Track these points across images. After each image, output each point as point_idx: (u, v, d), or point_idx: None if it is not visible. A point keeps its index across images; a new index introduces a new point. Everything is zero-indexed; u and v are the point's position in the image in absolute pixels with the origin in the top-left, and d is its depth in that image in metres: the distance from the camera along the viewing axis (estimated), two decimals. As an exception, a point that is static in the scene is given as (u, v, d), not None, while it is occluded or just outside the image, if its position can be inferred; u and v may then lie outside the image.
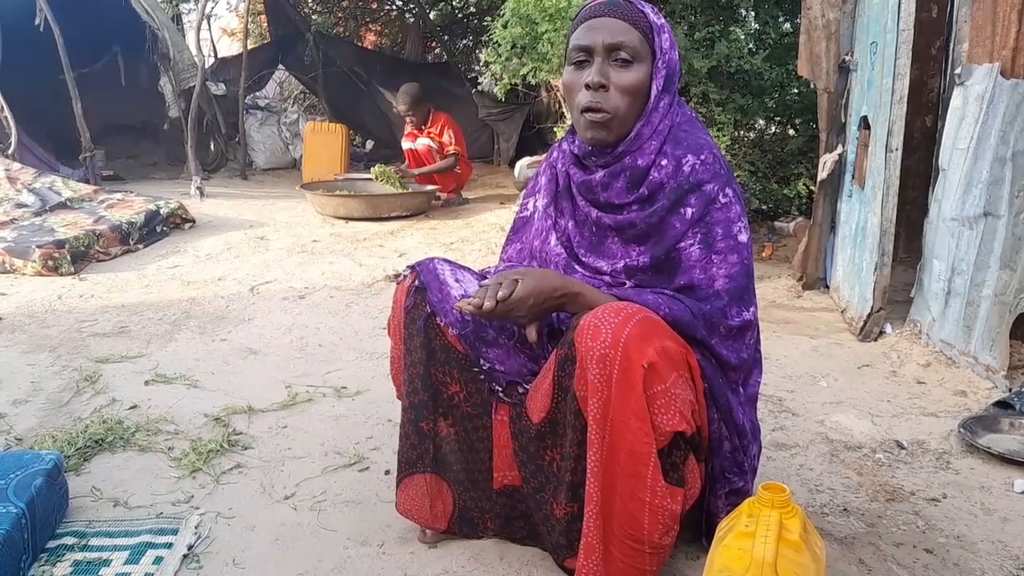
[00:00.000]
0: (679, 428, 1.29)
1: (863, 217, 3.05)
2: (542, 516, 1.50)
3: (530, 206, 1.68)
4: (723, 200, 1.42)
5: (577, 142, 1.50)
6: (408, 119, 5.89)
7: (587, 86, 1.40)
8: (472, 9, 9.90)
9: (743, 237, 1.43)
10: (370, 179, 5.84)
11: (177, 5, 8.40)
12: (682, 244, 1.42)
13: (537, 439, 1.44)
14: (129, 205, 4.83)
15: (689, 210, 1.42)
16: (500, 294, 1.34)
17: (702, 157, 1.43)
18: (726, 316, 1.41)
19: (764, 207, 4.73)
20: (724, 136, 4.10)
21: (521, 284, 1.36)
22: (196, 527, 1.68)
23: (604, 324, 1.26)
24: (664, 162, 1.44)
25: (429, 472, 1.61)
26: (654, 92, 1.42)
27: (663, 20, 1.45)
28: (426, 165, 5.86)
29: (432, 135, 5.87)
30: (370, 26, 10.98)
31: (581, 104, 1.42)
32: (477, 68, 9.36)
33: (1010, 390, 2.35)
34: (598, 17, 1.41)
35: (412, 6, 10.20)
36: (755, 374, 1.55)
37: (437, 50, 10.46)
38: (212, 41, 9.27)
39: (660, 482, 1.29)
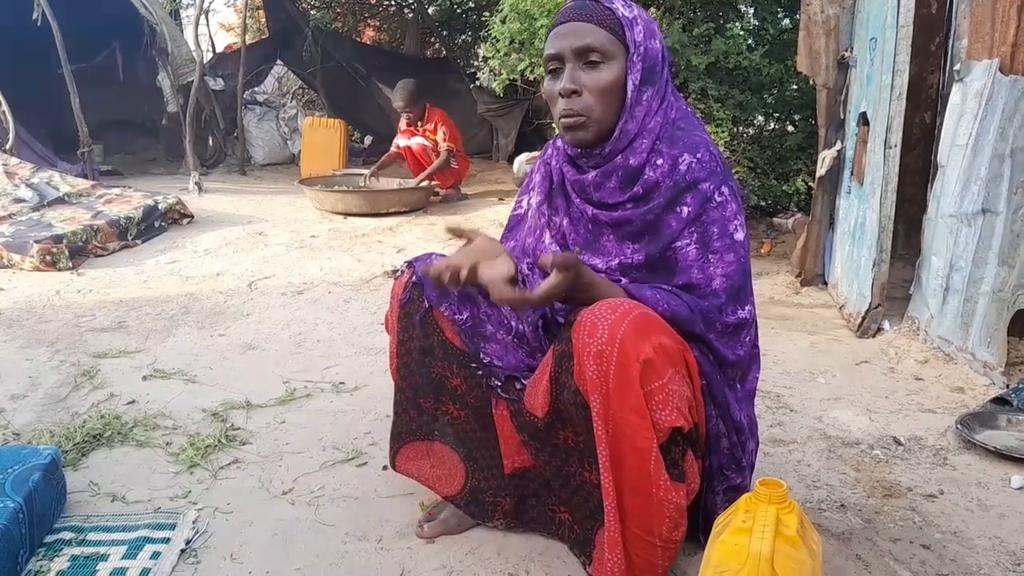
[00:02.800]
0: (676, 424, 1.29)
1: (862, 213, 3.05)
2: (571, 490, 1.49)
3: (524, 203, 1.68)
4: (719, 199, 1.42)
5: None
6: (404, 115, 5.87)
7: (560, 94, 1.41)
8: (471, 4, 9.88)
9: (739, 235, 1.43)
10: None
11: (175, 0, 8.38)
12: (678, 243, 1.42)
13: (545, 430, 1.44)
14: (127, 200, 4.82)
15: (685, 209, 1.41)
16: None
17: (698, 155, 1.42)
18: (722, 314, 1.41)
19: (763, 203, 4.73)
20: (723, 132, 4.10)
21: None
22: (194, 522, 1.69)
23: (601, 321, 1.26)
24: (660, 161, 1.43)
25: (430, 440, 1.64)
26: (631, 87, 1.41)
27: (636, 12, 1.43)
28: (422, 163, 5.86)
29: (427, 133, 5.85)
30: (369, 21, 10.96)
31: (559, 112, 1.43)
32: (476, 64, 9.35)
33: (1007, 386, 2.35)
34: (564, 23, 1.41)
35: (411, 1, 10.19)
36: (753, 370, 1.55)
37: (436, 45, 10.44)
38: (210, 36, 9.25)
39: (663, 475, 1.30)
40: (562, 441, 1.45)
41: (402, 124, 5.99)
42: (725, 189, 1.42)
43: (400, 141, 5.98)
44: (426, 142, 5.83)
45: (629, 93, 1.41)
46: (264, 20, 9.68)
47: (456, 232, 1.45)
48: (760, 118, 4.96)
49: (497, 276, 1.34)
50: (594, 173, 1.47)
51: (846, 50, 3.28)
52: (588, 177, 1.48)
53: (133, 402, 2.33)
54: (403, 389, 1.62)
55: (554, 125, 5.45)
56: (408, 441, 1.66)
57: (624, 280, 1.46)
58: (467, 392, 1.57)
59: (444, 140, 5.79)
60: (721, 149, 3.89)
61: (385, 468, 1.93)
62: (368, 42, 10.58)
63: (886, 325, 2.93)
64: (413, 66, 8.76)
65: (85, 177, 5.70)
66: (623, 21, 1.40)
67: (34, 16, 5.88)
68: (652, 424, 1.27)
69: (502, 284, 1.33)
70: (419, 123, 5.89)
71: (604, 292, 1.37)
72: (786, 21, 4.90)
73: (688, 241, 1.41)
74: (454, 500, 1.66)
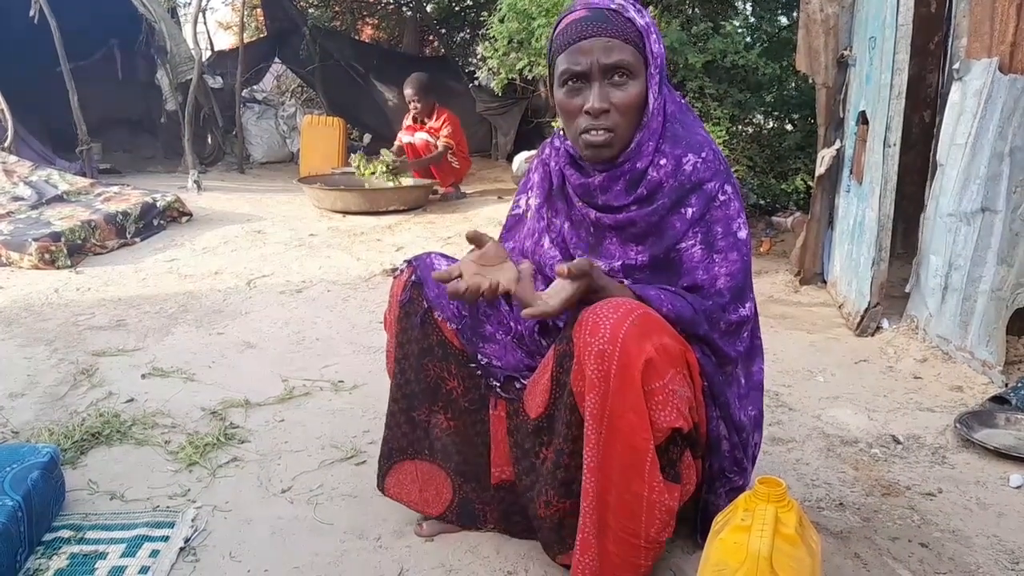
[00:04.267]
0: (676, 424, 1.29)
1: (861, 212, 3.05)
2: (533, 512, 1.50)
3: (522, 204, 1.67)
4: (723, 197, 1.42)
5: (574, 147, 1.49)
6: (413, 106, 5.83)
7: (587, 112, 1.38)
8: (469, 3, 9.88)
9: (742, 234, 1.43)
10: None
11: (173, -2, 8.39)
12: (683, 244, 1.42)
13: (533, 435, 1.44)
14: (126, 199, 4.81)
15: (690, 210, 1.41)
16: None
17: (703, 155, 1.42)
18: (726, 312, 1.42)
19: (762, 202, 4.73)
20: (720, 131, 4.10)
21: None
22: (193, 520, 1.68)
23: (603, 320, 1.25)
24: (663, 161, 1.42)
25: (419, 459, 1.62)
26: (651, 100, 1.41)
27: (647, 17, 1.41)
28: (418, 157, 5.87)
29: (432, 130, 5.85)
30: (367, 20, 10.96)
31: (581, 127, 1.40)
32: (474, 62, 9.35)
33: (1006, 385, 2.35)
34: (588, 39, 1.36)
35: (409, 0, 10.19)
36: (757, 362, 1.55)
37: (434, 44, 10.44)
38: (208, 34, 9.24)
39: (657, 477, 1.29)
40: (540, 461, 1.44)
41: (407, 120, 5.98)
42: (728, 188, 1.43)
43: (404, 137, 5.97)
44: (430, 138, 5.83)
45: (650, 106, 1.41)
46: (262, 18, 9.67)
47: (475, 240, 1.37)
48: (759, 117, 4.96)
49: (528, 290, 1.29)
50: (601, 177, 1.46)
51: (845, 49, 3.28)
52: (595, 181, 1.47)
53: (132, 400, 2.33)
54: (397, 399, 1.60)
55: (553, 124, 5.47)
56: (398, 460, 1.63)
57: (626, 282, 1.46)
58: (462, 395, 1.56)
59: (446, 137, 5.79)
60: (720, 148, 3.87)
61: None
62: (366, 40, 10.58)
63: (885, 324, 2.93)
64: (412, 64, 8.75)
65: (84, 175, 5.69)
66: (642, 33, 1.38)
67: (31, 13, 5.86)
68: (651, 424, 1.26)
69: (531, 296, 1.28)
70: (427, 119, 5.88)
71: (614, 294, 1.36)
72: (784, 19, 4.90)
73: (693, 242, 1.42)
74: (443, 518, 1.65)
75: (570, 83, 1.40)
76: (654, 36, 1.41)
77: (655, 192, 1.43)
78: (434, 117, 5.89)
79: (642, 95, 1.40)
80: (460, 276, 1.28)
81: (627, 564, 1.34)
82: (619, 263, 1.47)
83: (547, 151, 1.61)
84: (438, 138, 5.83)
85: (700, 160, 1.42)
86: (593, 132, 1.39)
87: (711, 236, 1.41)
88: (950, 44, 2.71)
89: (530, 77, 4.73)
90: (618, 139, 1.40)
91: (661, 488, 1.30)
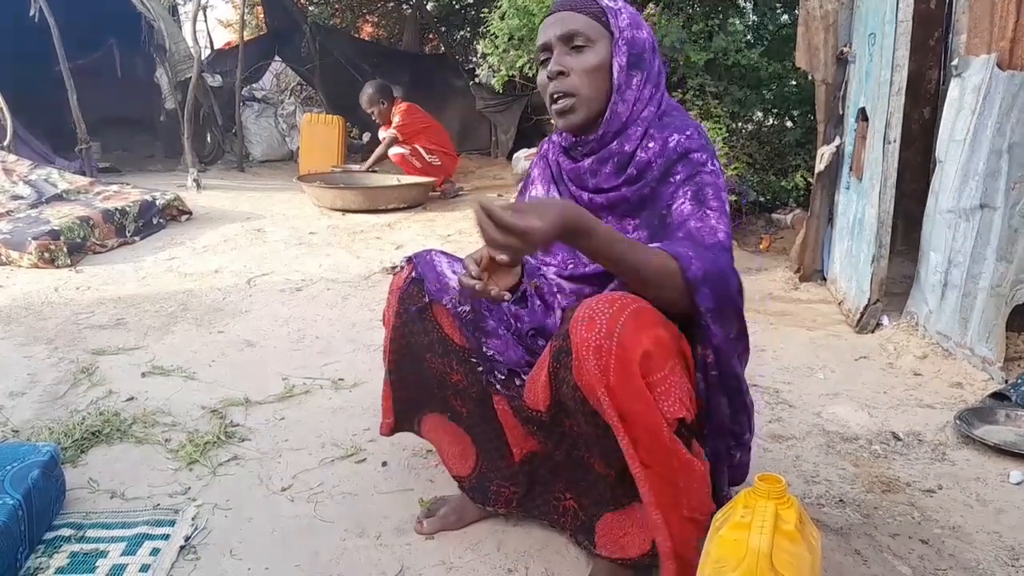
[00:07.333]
0: (680, 414, 1.29)
1: (860, 209, 3.05)
2: (581, 473, 1.50)
3: (526, 198, 1.69)
4: (711, 167, 1.43)
5: (563, 133, 1.53)
6: (372, 115, 5.94)
7: (548, 76, 1.45)
8: (469, 0, 9.87)
9: (727, 208, 1.43)
10: (367, 171, 5.87)
11: (173, -4, 8.38)
12: (673, 204, 1.41)
13: (551, 420, 1.45)
14: (125, 197, 4.81)
15: (678, 176, 1.42)
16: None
17: (687, 133, 1.45)
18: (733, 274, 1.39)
19: (762, 199, 4.73)
20: (720, 128, 4.10)
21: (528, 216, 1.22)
22: (193, 519, 1.69)
23: (598, 315, 1.25)
24: (651, 144, 1.45)
25: (443, 414, 1.66)
26: (616, 68, 1.43)
27: (621, 4, 1.47)
28: (403, 172, 5.89)
29: (401, 138, 5.87)
30: (367, 17, 10.96)
31: (548, 96, 1.46)
32: (475, 60, 9.35)
33: (1006, 382, 2.35)
34: (551, 15, 1.47)
35: (409, -3, 10.18)
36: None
37: (435, 42, 10.44)
38: (208, 32, 9.24)
39: (682, 449, 1.29)
40: (568, 428, 1.46)
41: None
42: (715, 164, 1.44)
43: (381, 136, 6.05)
44: (402, 150, 5.85)
45: (615, 75, 1.43)
46: (262, 16, 9.67)
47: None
48: (759, 114, 4.97)
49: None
50: (589, 160, 1.49)
51: (845, 45, 3.28)
52: (584, 165, 1.50)
53: (132, 399, 2.33)
54: (403, 363, 1.63)
55: (553, 121, 5.47)
56: (426, 412, 1.69)
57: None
58: (469, 387, 1.58)
59: (395, 127, 5.81)
60: (719, 145, 3.89)
61: (384, 464, 1.93)
62: (366, 38, 10.58)
63: (885, 320, 2.93)
64: (411, 62, 8.77)
65: (83, 174, 5.69)
66: (606, 10, 1.44)
67: (31, 13, 5.86)
68: (659, 411, 1.26)
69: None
70: (389, 124, 5.92)
71: (608, 246, 1.27)
72: (785, 17, 4.90)
73: (683, 200, 1.40)
74: (463, 481, 1.67)
75: (541, 59, 1.48)
76: (625, 16, 1.45)
77: (645, 171, 1.45)
78: (393, 114, 5.92)
79: (603, 62, 1.43)
80: (476, 275, 1.34)
81: (684, 543, 1.31)
82: None
83: (546, 147, 1.66)
84: (411, 147, 5.83)
85: (684, 137, 1.44)
86: (556, 96, 1.44)
87: (702, 195, 1.40)
88: (950, 40, 2.71)
89: (530, 74, 4.73)
90: (581, 103, 1.43)
91: (689, 456, 1.29)
